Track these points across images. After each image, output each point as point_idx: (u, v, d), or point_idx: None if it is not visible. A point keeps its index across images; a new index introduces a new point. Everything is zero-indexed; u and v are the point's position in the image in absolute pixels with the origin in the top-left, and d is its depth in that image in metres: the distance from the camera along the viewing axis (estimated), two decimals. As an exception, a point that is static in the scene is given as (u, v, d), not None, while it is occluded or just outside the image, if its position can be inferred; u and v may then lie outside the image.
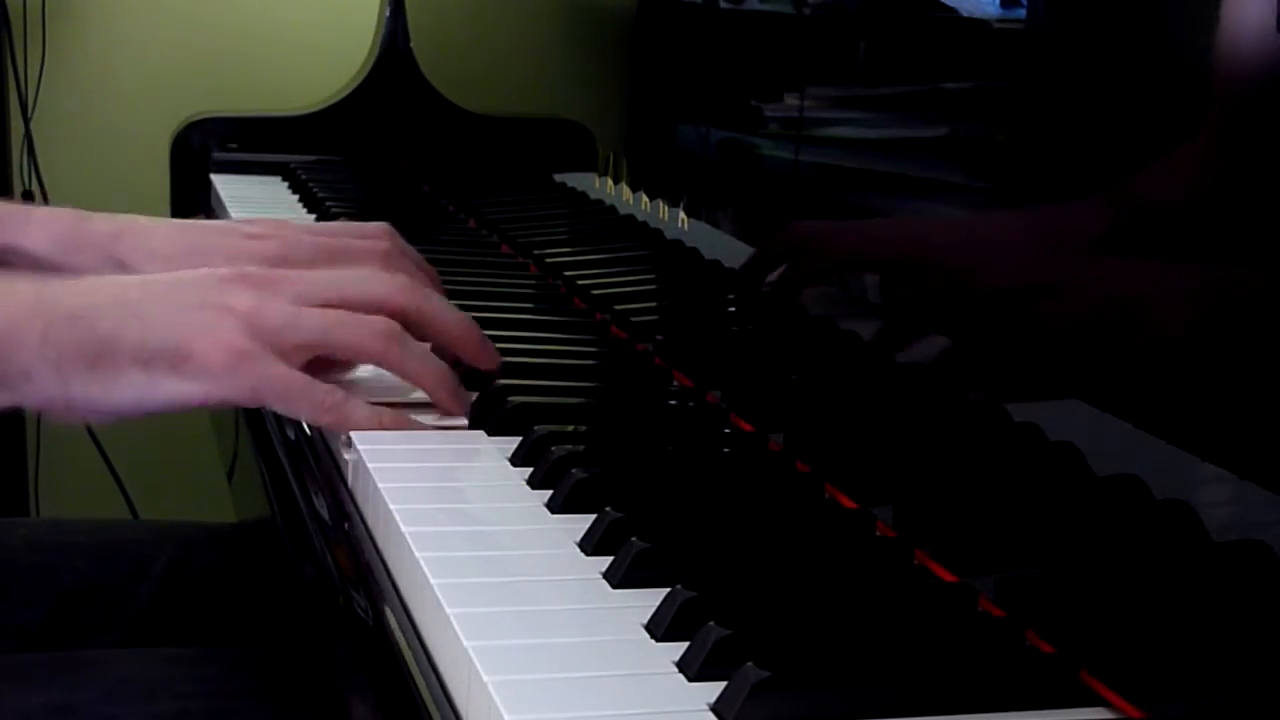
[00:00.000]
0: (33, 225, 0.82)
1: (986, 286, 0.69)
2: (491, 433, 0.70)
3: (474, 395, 0.73)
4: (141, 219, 0.84)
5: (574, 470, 0.62)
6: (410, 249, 0.84)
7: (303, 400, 0.67)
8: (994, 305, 0.68)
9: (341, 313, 0.69)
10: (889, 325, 0.76)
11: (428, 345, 0.72)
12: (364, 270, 0.75)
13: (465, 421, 0.72)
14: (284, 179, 1.45)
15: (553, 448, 0.65)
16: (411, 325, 0.71)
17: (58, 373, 0.64)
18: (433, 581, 0.53)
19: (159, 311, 0.66)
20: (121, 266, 0.80)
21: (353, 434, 0.68)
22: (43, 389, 0.64)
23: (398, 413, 0.70)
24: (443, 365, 0.72)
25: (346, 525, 0.65)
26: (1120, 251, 0.61)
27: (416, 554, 0.55)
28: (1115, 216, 0.62)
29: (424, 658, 0.52)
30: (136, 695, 0.74)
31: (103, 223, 0.82)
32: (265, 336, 0.66)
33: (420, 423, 0.71)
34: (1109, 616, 0.51)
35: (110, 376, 0.65)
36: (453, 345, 0.74)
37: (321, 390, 0.68)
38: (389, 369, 0.71)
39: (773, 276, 0.89)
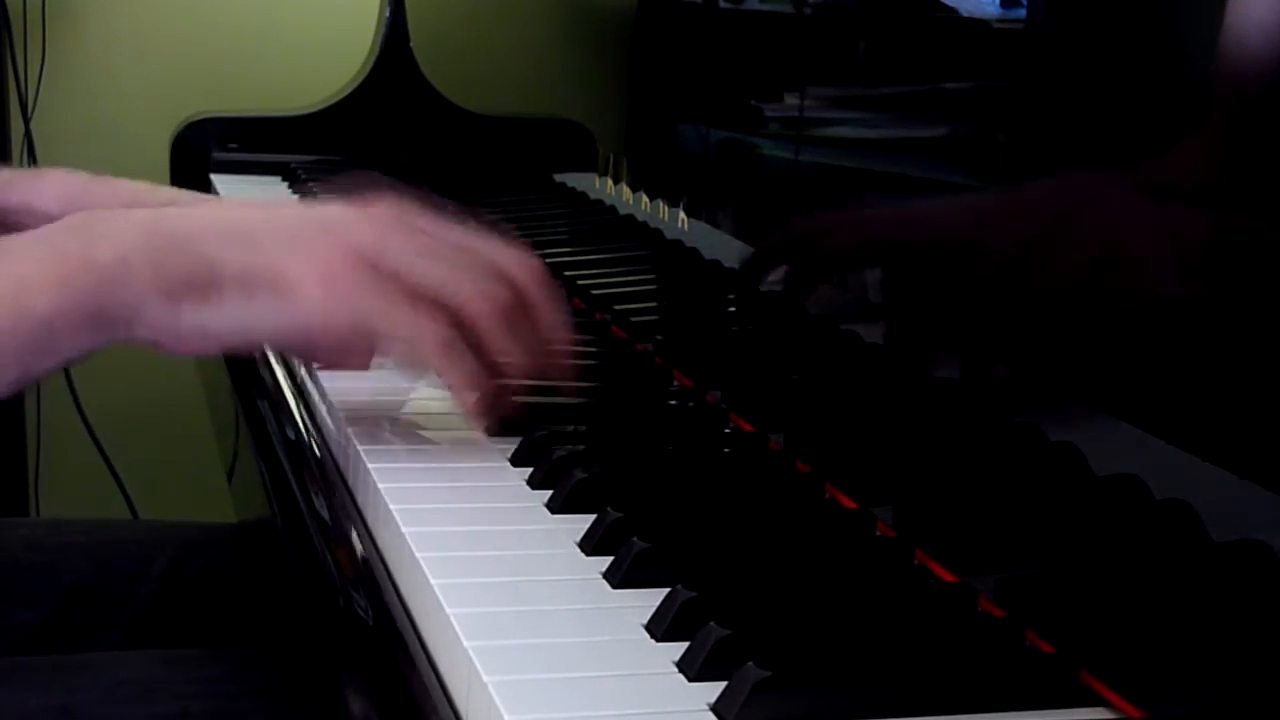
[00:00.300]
0: (45, 183, 0.79)
1: (988, 282, 0.69)
2: (491, 433, 0.70)
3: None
4: (163, 208, 0.78)
5: (574, 470, 0.62)
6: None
7: (414, 331, 0.63)
8: (996, 302, 0.68)
9: (460, 269, 0.66)
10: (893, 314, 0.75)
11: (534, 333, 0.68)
12: (492, 241, 0.71)
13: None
14: (284, 179, 1.45)
15: (554, 448, 0.65)
16: (527, 310, 0.68)
17: (169, 301, 0.62)
18: (433, 581, 0.53)
19: (269, 236, 0.64)
20: None
21: (352, 433, 0.68)
22: (156, 319, 0.62)
23: (499, 384, 0.67)
24: (542, 356, 0.69)
25: (347, 525, 0.65)
26: (1121, 251, 0.61)
27: (416, 554, 0.55)
28: (1115, 215, 0.62)
29: (424, 658, 0.52)
30: (136, 697, 0.74)
31: (123, 189, 0.79)
32: (375, 274, 0.63)
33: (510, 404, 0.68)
34: (1109, 616, 0.51)
35: (214, 303, 0.62)
36: (550, 338, 0.70)
37: (429, 330, 0.64)
38: (485, 339, 0.66)
39: (776, 276, 0.89)
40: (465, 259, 0.67)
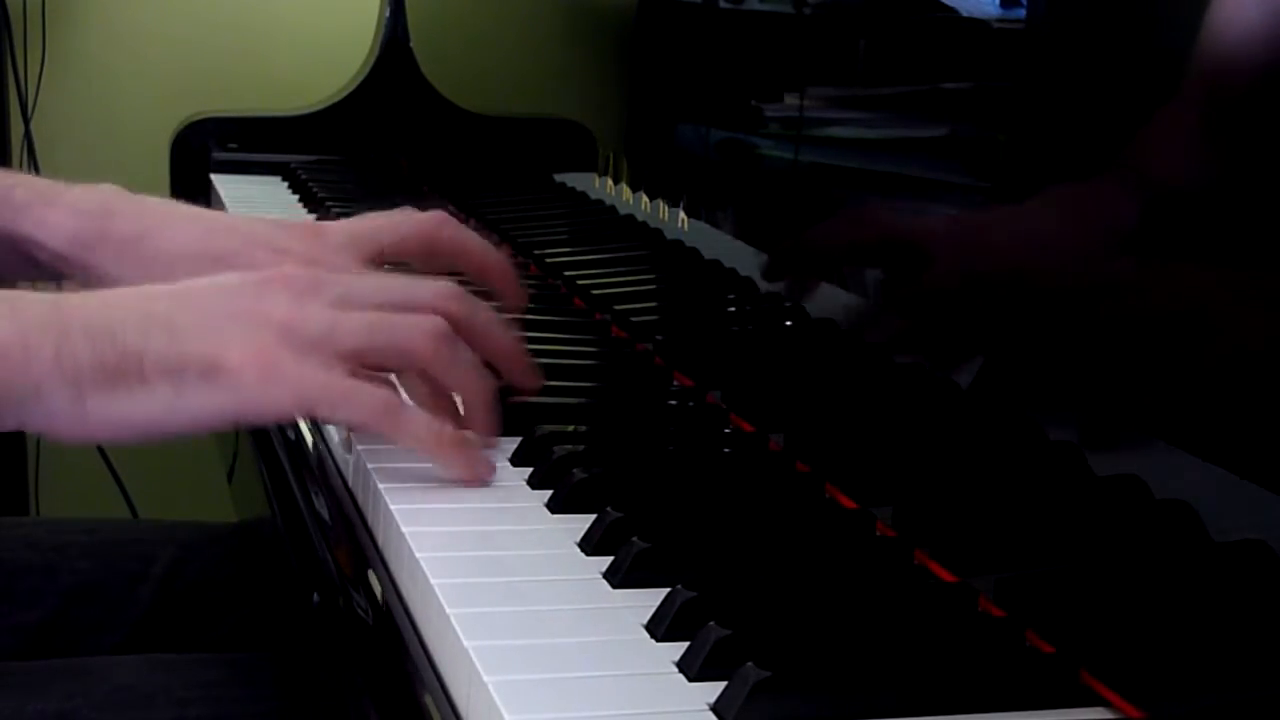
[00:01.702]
0: (52, 216, 0.78)
1: (994, 283, 0.69)
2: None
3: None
4: (173, 215, 0.79)
5: (574, 470, 0.62)
6: (466, 231, 0.81)
7: (352, 404, 0.61)
8: (1000, 303, 0.68)
9: (384, 314, 0.64)
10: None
11: (474, 356, 0.67)
12: (409, 277, 0.70)
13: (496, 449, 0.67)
14: (284, 179, 1.45)
15: (554, 448, 0.65)
16: (460, 335, 0.66)
17: (74, 389, 0.59)
18: (433, 581, 0.53)
19: (189, 321, 0.61)
20: (143, 266, 0.77)
21: (352, 434, 0.67)
22: (56, 407, 0.59)
23: (458, 431, 0.64)
24: (490, 378, 0.67)
25: (346, 525, 0.65)
26: (1120, 251, 0.61)
27: (416, 554, 0.55)
28: (1115, 215, 0.62)
29: (424, 658, 0.52)
30: (134, 702, 0.74)
31: (126, 223, 0.78)
32: (305, 346, 0.61)
33: (479, 449, 0.65)
34: (1109, 616, 0.51)
35: (133, 391, 0.59)
36: (501, 361, 0.69)
37: (370, 392, 0.62)
38: (435, 373, 0.65)
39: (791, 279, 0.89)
40: (386, 300, 0.65)
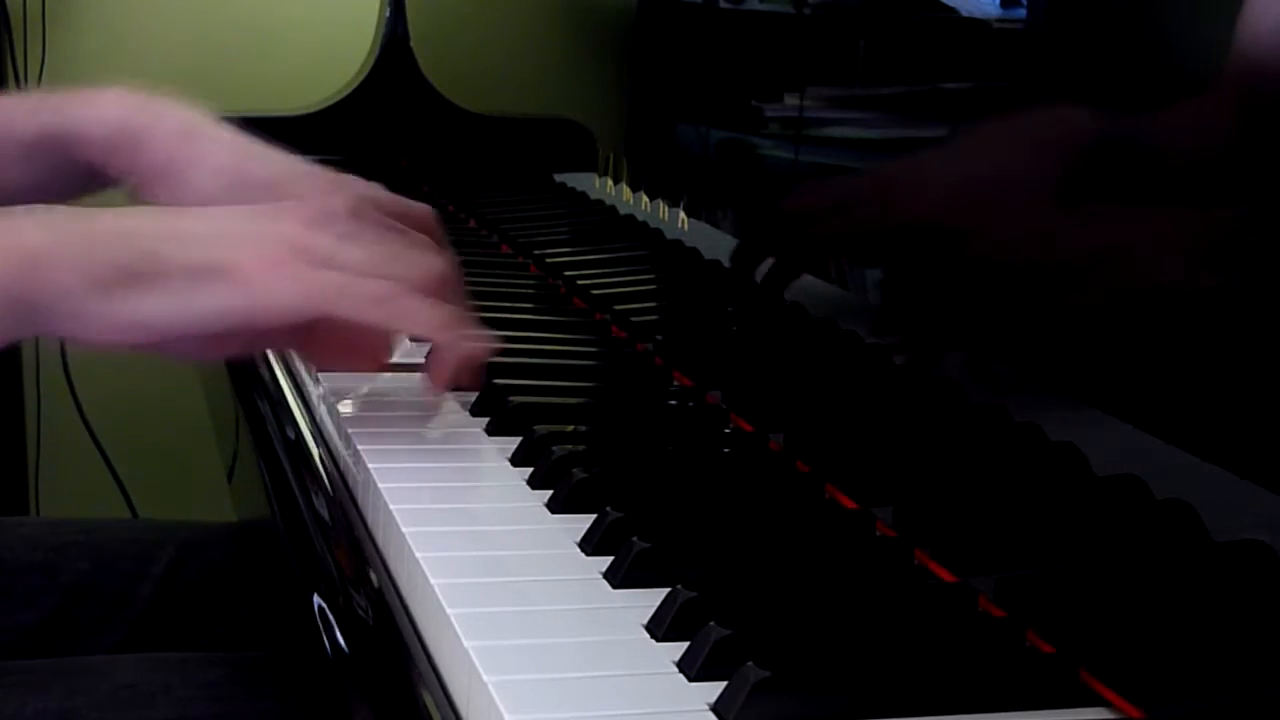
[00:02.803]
0: (99, 105, 0.79)
1: (991, 272, 0.69)
2: (491, 432, 0.70)
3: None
4: (218, 128, 0.82)
5: (574, 470, 0.62)
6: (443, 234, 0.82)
7: (352, 296, 0.65)
8: (997, 296, 0.68)
9: (389, 248, 0.68)
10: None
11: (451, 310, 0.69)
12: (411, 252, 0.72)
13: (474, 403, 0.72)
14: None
15: (553, 448, 0.65)
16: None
17: (96, 289, 0.61)
18: (433, 581, 0.53)
19: (203, 231, 0.65)
20: (179, 176, 0.78)
21: (352, 433, 0.68)
22: (80, 308, 0.62)
23: (455, 311, 0.68)
24: (468, 330, 0.70)
25: (346, 525, 0.65)
26: (1122, 249, 0.61)
27: (416, 554, 0.55)
28: (1116, 213, 0.62)
29: (424, 658, 0.52)
30: (135, 701, 0.74)
31: (176, 117, 0.81)
32: (313, 260, 0.65)
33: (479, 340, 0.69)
34: (1109, 616, 0.51)
35: (155, 288, 0.62)
36: (435, 352, 0.70)
37: (371, 283, 0.65)
38: (397, 319, 0.68)
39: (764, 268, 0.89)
40: (386, 246, 0.69)
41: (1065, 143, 0.65)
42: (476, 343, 0.69)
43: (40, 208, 0.65)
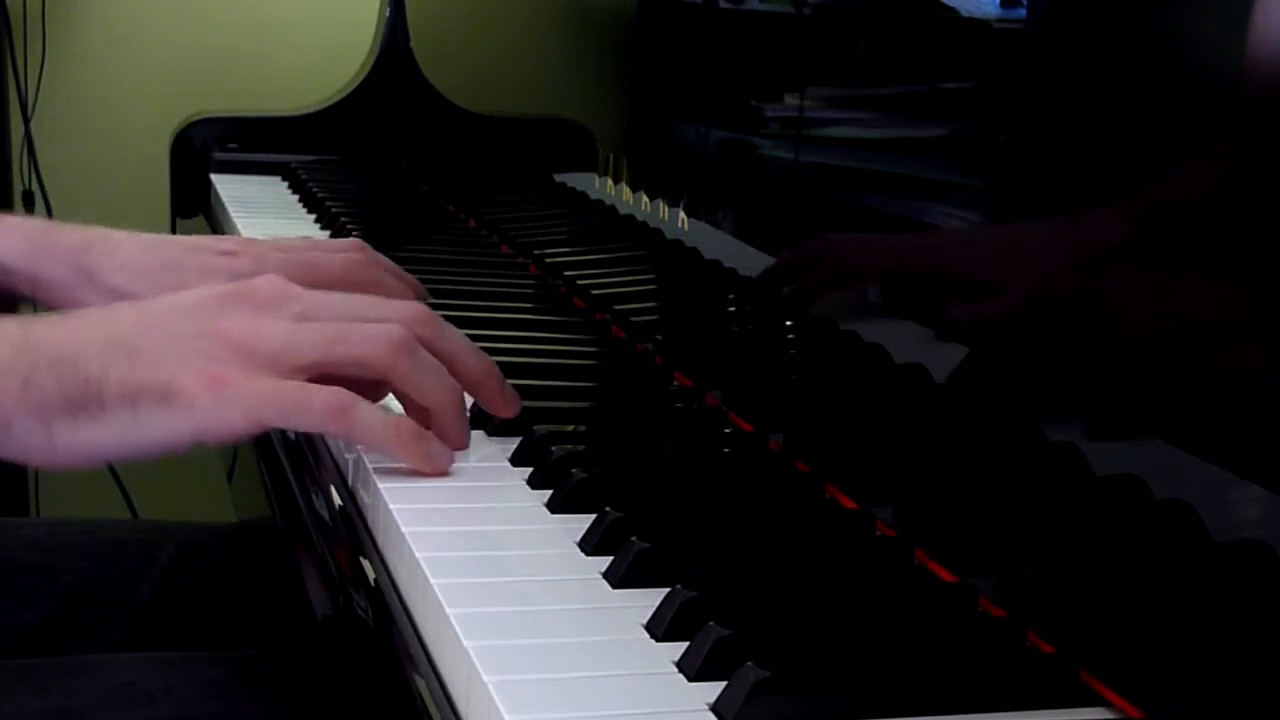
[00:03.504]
0: (0, 232, 0.81)
1: (999, 295, 0.69)
2: (491, 433, 0.70)
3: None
4: (113, 232, 0.82)
5: (574, 470, 0.62)
6: (385, 260, 0.82)
7: (303, 409, 0.62)
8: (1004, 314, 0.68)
9: (344, 324, 0.64)
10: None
11: (439, 363, 0.66)
12: (376, 297, 0.70)
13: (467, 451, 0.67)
14: (284, 179, 1.45)
15: (553, 448, 0.65)
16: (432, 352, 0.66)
17: (41, 420, 0.61)
18: (433, 581, 0.53)
19: (149, 344, 0.63)
20: (90, 278, 0.79)
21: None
22: (26, 438, 0.61)
23: (414, 425, 0.64)
24: (456, 385, 0.66)
25: (346, 525, 0.65)
26: (1124, 254, 0.61)
27: (416, 554, 0.55)
28: (1118, 218, 0.62)
29: (424, 658, 0.52)
30: (135, 700, 0.74)
31: (71, 234, 0.81)
32: (261, 361, 0.62)
33: (437, 441, 0.65)
34: (1109, 616, 0.51)
35: (94, 419, 0.61)
36: (472, 386, 0.68)
37: (322, 394, 0.62)
38: (396, 384, 0.65)
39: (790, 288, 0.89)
40: (347, 313, 0.66)
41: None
42: (434, 460, 0.64)
43: None
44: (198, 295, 0.66)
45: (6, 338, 0.62)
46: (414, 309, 0.67)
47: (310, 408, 0.62)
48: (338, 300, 0.67)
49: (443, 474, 0.64)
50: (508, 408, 0.69)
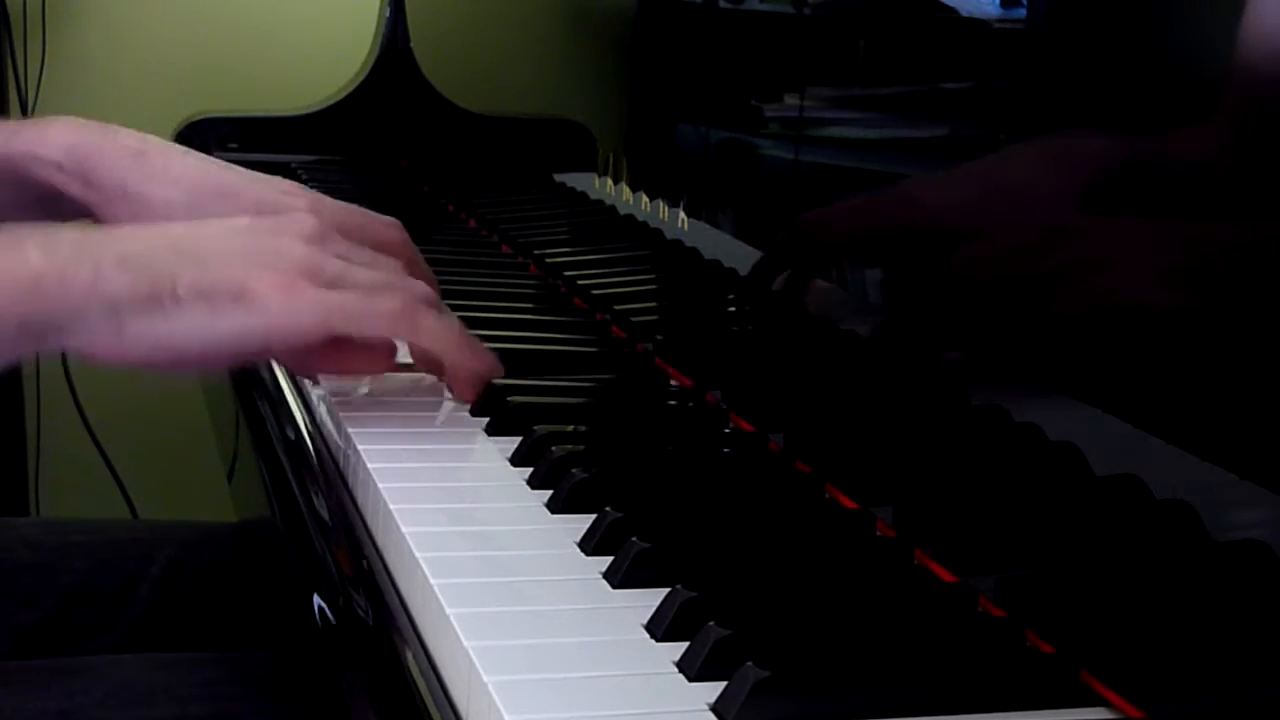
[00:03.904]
0: (51, 130, 0.79)
1: (990, 277, 0.69)
2: (491, 433, 0.70)
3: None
4: (171, 145, 0.81)
5: (574, 470, 0.62)
6: (417, 250, 0.84)
7: (370, 315, 0.66)
8: (995, 302, 0.68)
9: (389, 269, 0.69)
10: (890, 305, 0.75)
11: (459, 324, 0.72)
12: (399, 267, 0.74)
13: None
14: (284, 179, 1.45)
15: (553, 448, 0.65)
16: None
17: (113, 312, 0.62)
18: (433, 581, 0.53)
19: (214, 251, 0.65)
20: (145, 181, 0.77)
21: (351, 432, 0.68)
22: (97, 330, 0.62)
23: (466, 331, 0.70)
24: (479, 344, 0.73)
25: (346, 525, 0.65)
26: (1122, 250, 0.61)
27: (416, 554, 0.55)
28: (1115, 213, 0.62)
29: (424, 658, 0.52)
30: (135, 700, 0.74)
31: (128, 137, 0.79)
32: (322, 281, 0.66)
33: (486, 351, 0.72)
34: (1109, 616, 0.50)
35: (169, 313, 0.63)
36: (453, 370, 0.73)
37: (386, 300, 0.67)
38: (413, 336, 0.70)
39: (782, 277, 0.89)
40: (383, 269, 0.70)
41: (1077, 165, 0.65)
42: (489, 358, 0.71)
43: (42, 228, 0.65)
44: (249, 221, 0.69)
45: (64, 239, 0.64)
46: (424, 287, 0.71)
47: (377, 313, 0.67)
48: (367, 255, 0.71)
49: (497, 372, 0.72)
50: (465, 395, 0.73)
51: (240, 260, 0.65)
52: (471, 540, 0.58)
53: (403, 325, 0.68)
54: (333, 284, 0.66)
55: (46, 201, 0.79)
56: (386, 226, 0.79)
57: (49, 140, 0.78)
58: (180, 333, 0.63)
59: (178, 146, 0.81)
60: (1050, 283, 0.64)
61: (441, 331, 0.69)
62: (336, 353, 0.69)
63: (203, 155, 0.81)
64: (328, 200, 0.80)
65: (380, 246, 0.75)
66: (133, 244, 0.65)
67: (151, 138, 0.80)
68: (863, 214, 0.82)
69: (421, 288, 0.70)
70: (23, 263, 0.61)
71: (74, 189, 0.78)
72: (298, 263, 0.66)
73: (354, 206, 0.83)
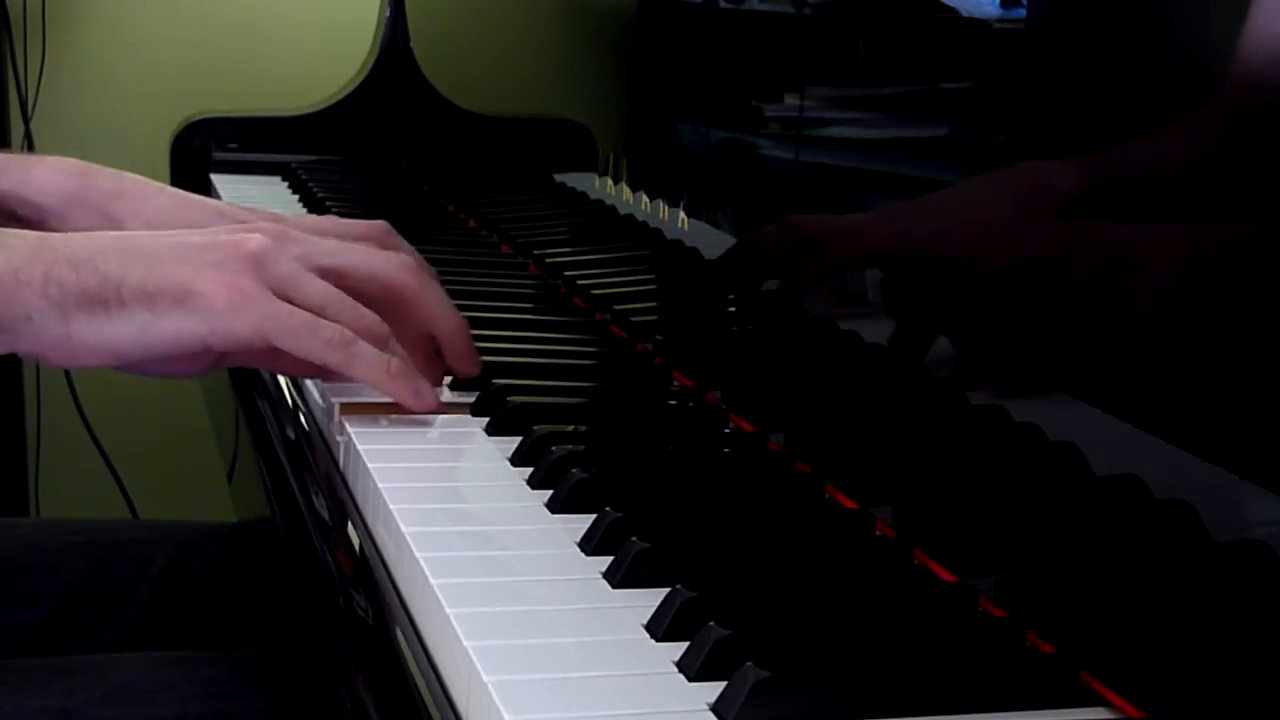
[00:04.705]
0: (36, 172, 0.81)
1: (988, 285, 0.69)
2: (491, 432, 0.70)
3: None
4: (147, 183, 0.83)
5: (574, 470, 0.62)
6: (408, 245, 0.84)
7: (309, 337, 0.66)
8: (994, 302, 0.68)
9: (342, 294, 0.69)
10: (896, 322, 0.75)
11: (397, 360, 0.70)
12: (369, 246, 0.74)
13: (467, 404, 0.73)
14: (284, 179, 1.45)
15: (553, 448, 0.65)
16: (408, 305, 0.72)
17: (60, 313, 0.63)
18: (433, 581, 0.53)
19: (164, 252, 0.66)
20: (116, 227, 0.80)
21: (351, 431, 0.68)
22: (44, 331, 0.63)
23: (405, 366, 0.69)
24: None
25: (346, 525, 0.65)
26: (1121, 251, 0.61)
27: (416, 554, 0.55)
28: (1114, 215, 0.62)
29: (424, 658, 0.52)
30: (135, 699, 0.74)
31: (106, 179, 0.82)
32: (271, 281, 0.66)
33: (424, 380, 0.70)
34: (1109, 616, 0.51)
35: (113, 315, 0.64)
36: (442, 339, 0.74)
37: (328, 328, 0.66)
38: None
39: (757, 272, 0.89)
40: (343, 261, 0.71)
41: (1056, 191, 0.66)
42: (422, 397, 0.70)
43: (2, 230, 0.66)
44: (209, 230, 0.70)
45: (23, 239, 0.65)
46: (399, 259, 0.73)
47: (316, 336, 0.66)
48: (331, 246, 0.72)
49: (431, 410, 0.70)
50: (468, 366, 0.75)
51: (191, 261, 0.66)
52: (471, 540, 0.58)
53: (337, 355, 0.67)
54: (281, 285, 0.66)
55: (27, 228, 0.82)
56: (368, 226, 0.79)
57: (35, 182, 0.81)
58: (122, 334, 0.65)
59: (153, 184, 0.84)
60: (1051, 287, 0.64)
61: (376, 367, 0.68)
62: (273, 359, 0.70)
63: (177, 191, 0.84)
64: (308, 219, 0.81)
65: (357, 236, 0.76)
66: (85, 246, 0.66)
67: (128, 176, 0.83)
68: (844, 243, 0.83)
69: (370, 319, 0.69)
70: None
71: (53, 227, 0.80)
72: (248, 257, 0.66)
73: (328, 224, 0.83)
